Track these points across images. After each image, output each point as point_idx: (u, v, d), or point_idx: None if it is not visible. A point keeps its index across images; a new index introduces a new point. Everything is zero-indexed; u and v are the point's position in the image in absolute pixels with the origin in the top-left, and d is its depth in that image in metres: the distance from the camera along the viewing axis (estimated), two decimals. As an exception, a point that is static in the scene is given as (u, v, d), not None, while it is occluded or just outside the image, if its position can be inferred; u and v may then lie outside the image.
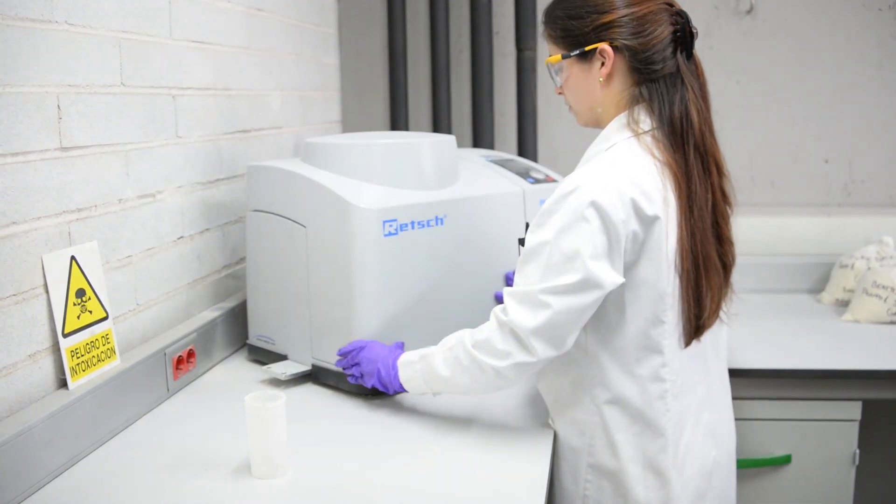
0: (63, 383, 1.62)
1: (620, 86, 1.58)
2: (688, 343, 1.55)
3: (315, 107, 2.97)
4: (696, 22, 3.03)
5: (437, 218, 1.95)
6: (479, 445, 1.63)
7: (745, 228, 2.91)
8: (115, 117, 1.79)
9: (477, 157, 2.28)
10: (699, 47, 3.07)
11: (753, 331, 2.46)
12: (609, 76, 1.57)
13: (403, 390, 1.70)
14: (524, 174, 2.22)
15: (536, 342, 1.48)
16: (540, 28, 1.69)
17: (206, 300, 2.17)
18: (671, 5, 1.56)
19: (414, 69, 3.25)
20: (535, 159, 3.09)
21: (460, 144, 3.19)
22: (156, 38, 1.93)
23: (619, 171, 1.49)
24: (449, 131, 3.13)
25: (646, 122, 1.55)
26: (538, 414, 1.75)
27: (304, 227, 1.92)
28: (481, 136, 3.11)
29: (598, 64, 1.57)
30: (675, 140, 1.52)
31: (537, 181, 2.20)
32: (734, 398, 1.76)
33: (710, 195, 1.55)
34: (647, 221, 1.48)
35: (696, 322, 1.53)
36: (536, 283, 1.48)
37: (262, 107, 2.50)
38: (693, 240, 1.50)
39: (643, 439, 1.55)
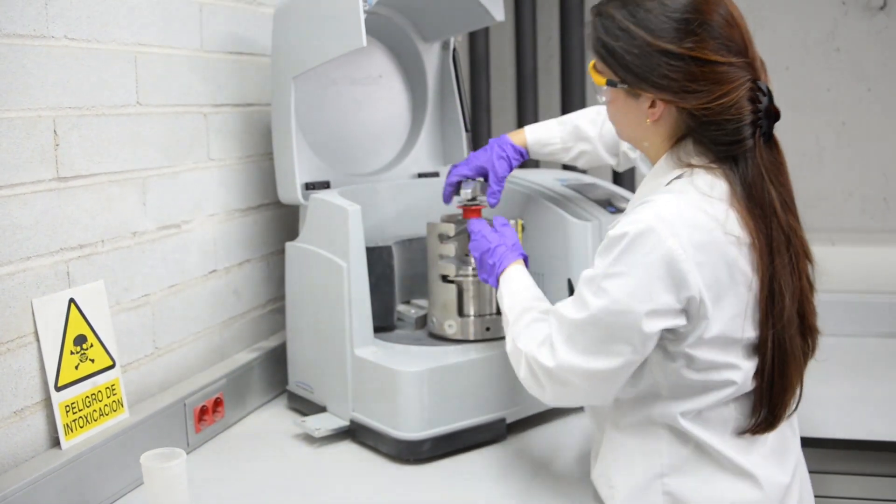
0: (57, 442, 1.44)
1: (675, 130, 1.32)
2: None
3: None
4: (822, 19, 2.70)
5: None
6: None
7: (877, 259, 2.56)
8: (128, 141, 1.60)
9: (552, 181, 2.00)
10: (824, 49, 2.74)
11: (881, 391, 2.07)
12: (659, 120, 1.32)
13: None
14: (604, 202, 1.92)
15: None
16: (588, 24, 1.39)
17: (244, 340, 1.97)
18: (755, 77, 1.26)
19: (498, 77, 2.99)
20: (632, 182, 2.77)
21: (549, 164, 2.91)
22: (182, 50, 1.74)
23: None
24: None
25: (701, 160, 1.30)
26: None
27: (344, 264, 1.69)
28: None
29: (647, 103, 1.30)
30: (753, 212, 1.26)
31: (619, 211, 1.91)
32: (815, 471, 1.45)
33: (797, 284, 1.29)
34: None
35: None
36: None
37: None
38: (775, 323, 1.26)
39: None
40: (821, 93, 2.72)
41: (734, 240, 1.23)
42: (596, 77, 1.35)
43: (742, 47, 1.25)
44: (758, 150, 1.25)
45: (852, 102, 2.70)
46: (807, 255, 1.30)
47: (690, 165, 1.29)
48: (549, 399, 1.35)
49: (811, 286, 1.33)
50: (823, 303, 2.37)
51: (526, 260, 1.56)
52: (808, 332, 1.32)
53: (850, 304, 2.44)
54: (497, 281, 1.53)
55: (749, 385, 1.28)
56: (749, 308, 1.25)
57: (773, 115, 1.26)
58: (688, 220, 1.21)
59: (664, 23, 1.24)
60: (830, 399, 1.96)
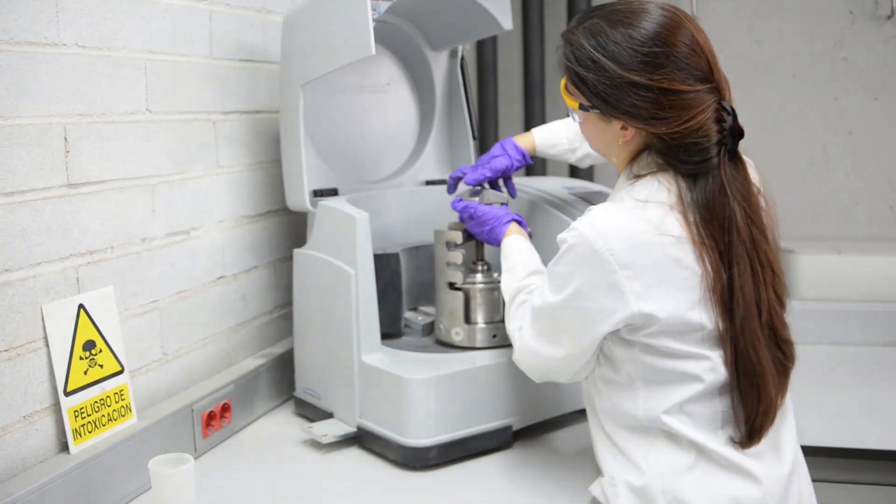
0: (66, 447, 1.45)
1: (643, 148, 1.39)
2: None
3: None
4: (829, 29, 2.71)
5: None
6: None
7: (883, 268, 2.56)
8: (138, 148, 1.62)
9: (558, 189, 2.01)
10: (831, 58, 2.75)
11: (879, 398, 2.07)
12: (630, 141, 1.38)
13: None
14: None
15: None
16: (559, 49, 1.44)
17: (251, 346, 1.98)
18: (721, 98, 1.32)
19: (505, 85, 3.00)
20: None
21: (557, 172, 2.92)
22: (192, 58, 1.75)
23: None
24: (542, 153, 2.85)
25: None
26: None
27: (351, 271, 1.70)
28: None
29: (619, 126, 1.36)
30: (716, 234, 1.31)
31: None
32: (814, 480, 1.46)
33: (763, 295, 1.32)
34: None
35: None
36: None
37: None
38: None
39: None
40: (827, 102, 2.73)
41: (672, 240, 1.28)
42: (568, 100, 1.41)
43: (707, 73, 1.31)
44: (722, 167, 1.31)
45: (859, 111, 2.70)
46: (773, 269, 1.33)
47: (638, 176, 1.36)
48: (534, 377, 1.49)
49: (780, 300, 1.36)
50: (829, 311, 2.41)
51: (521, 223, 1.67)
52: (781, 344, 1.34)
53: (855, 313, 2.44)
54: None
55: (720, 378, 1.31)
56: (705, 300, 1.29)
57: (738, 133, 1.32)
58: (620, 225, 1.28)
59: (632, 56, 1.29)
60: (834, 408, 1.96)
